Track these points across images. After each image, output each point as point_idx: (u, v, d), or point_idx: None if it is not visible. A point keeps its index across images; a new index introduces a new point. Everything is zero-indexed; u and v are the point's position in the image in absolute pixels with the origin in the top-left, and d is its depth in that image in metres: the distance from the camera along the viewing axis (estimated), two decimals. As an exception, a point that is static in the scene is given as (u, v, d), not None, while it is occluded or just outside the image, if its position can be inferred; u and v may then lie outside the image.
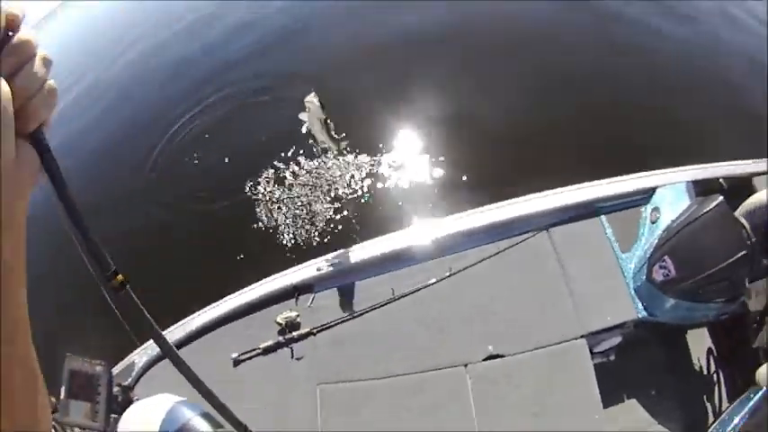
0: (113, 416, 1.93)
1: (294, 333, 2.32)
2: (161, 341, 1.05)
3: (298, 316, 2.36)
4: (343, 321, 2.37)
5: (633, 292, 2.60)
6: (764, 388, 2.38)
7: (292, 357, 2.32)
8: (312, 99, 2.34)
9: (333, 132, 2.48)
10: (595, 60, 5.70)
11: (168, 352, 1.09)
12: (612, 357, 2.68)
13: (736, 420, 2.34)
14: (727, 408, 2.51)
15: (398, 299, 2.41)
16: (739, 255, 2.45)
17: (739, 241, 2.46)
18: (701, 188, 2.88)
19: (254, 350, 2.31)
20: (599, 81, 5.42)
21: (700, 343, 2.94)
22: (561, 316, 2.48)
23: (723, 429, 2.37)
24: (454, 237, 2.57)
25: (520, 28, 6.10)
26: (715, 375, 2.87)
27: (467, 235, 2.59)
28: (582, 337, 2.44)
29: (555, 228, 2.69)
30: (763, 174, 3.03)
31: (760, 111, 5.43)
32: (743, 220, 2.57)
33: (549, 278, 2.58)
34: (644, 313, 2.56)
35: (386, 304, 2.37)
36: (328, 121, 2.43)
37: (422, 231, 2.61)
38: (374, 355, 2.30)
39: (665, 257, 2.45)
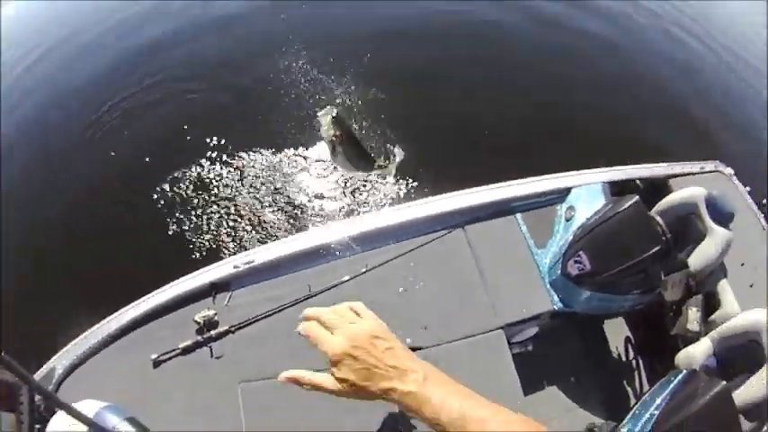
0: (37, 426, 1.89)
1: (212, 332, 2.28)
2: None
3: (215, 314, 2.32)
4: (260, 318, 2.34)
5: (548, 285, 2.68)
6: (684, 370, 2.43)
7: (212, 356, 2.28)
8: (326, 114, 2.15)
9: (361, 152, 2.32)
10: (517, 61, 5.77)
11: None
12: (530, 347, 2.76)
13: (658, 401, 2.38)
14: (648, 390, 2.56)
15: (315, 295, 2.39)
16: (654, 250, 2.52)
17: (654, 237, 2.53)
18: (617, 189, 2.99)
19: (173, 350, 2.26)
20: (522, 80, 5.50)
21: (617, 332, 3.07)
22: (478, 309, 2.52)
23: (644, 411, 2.41)
24: (371, 234, 2.58)
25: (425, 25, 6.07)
26: (634, 362, 2.99)
27: (383, 232, 2.60)
28: (499, 328, 2.50)
29: (471, 225, 2.74)
30: (678, 176, 3.15)
31: (678, 110, 5.78)
32: (658, 218, 2.64)
33: (466, 273, 2.62)
34: (560, 305, 2.64)
35: (303, 301, 2.36)
36: (351, 138, 2.23)
37: (338, 228, 2.60)
38: (293, 351, 2.26)
39: (580, 252, 2.52)
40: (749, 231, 3.07)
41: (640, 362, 3.02)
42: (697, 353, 2.57)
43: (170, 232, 3.91)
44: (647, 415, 2.36)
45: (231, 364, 2.26)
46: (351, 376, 0.85)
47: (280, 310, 2.35)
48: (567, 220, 2.78)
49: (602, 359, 3.01)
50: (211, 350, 2.29)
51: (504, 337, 2.48)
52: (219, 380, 2.24)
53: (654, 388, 2.49)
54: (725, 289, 2.80)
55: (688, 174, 3.26)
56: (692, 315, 2.63)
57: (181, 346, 2.26)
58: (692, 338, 2.64)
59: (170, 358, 2.27)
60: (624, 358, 3.01)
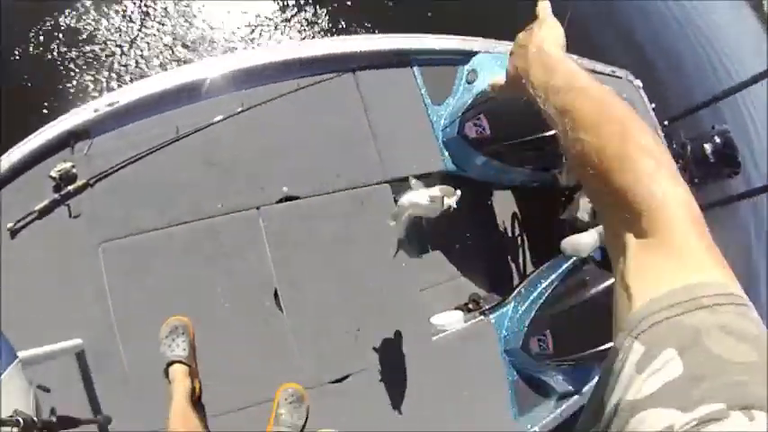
0: None
1: (70, 187, 2.00)
2: None
3: (73, 167, 1.98)
4: (122, 167, 2.04)
5: (441, 144, 2.55)
6: (572, 258, 2.48)
7: (70, 216, 2.01)
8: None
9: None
10: None
11: None
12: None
13: (545, 283, 2.47)
14: (536, 270, 2.63)
15: (183, 138, 2.10)
16: None
17: None
18: None
19: (29, 215, 1.96)
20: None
21: (505, 206, 3.04)
22: (364, 161, 2.35)
23: (532, 290, 2.50)
24: (248, 71, 2.23)
25: None
26: (519, 239, 3.01)
27: (263, 70, 2.26)
28: (386, 182, 2.36)
29: (363, 71, 2.46)
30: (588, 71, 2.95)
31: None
32: None
33: (352, 122, 2.39)
34: (452, 166, 2.55)
35: (169, 144, 2.07)
36: None
37: (211, 64, 2.24)
38: (159, 203, 2.05)
39: (481, 116, 2.39)
40: None
41: (525, 240, 3.05)
42: (583, 242, 2.54)
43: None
44: (535, 294, 2.45)
45: (91, 223, 1.99)
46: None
47: (143, 157, 2.06)
48: (469, 83, 2.61)
49: (487, 230, 3.00)
50: (69, 209, 2.02)
51: (391, 193, 2.35)
52: (79, 242, 1.99)
53: (542, 268, 2.57)
54: None
55: (599, 73, 3.21)
56: (584, 204, 2.67)
57: (37, 208, 1.96)
58: (580, 227, 2.66)
59: (26, 224, 1.97)
60: (510, 233, 3.03)
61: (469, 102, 2.48)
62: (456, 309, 2.62)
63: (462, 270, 2.87)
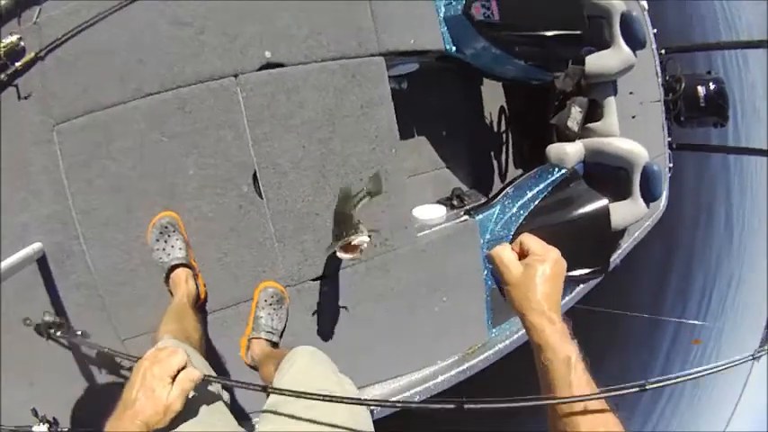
0: None
1: (18, 63, 1.64)
2: None
3: (20, 39, 1.63)
4: (76, 33, 1.68)
5: (443, 20, 2.28)
6: (564, 168, 2.43)
7: (19, 98, 1.66)
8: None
9: None
10: None
11: None
12: (405, 86, 2.41)
13: (533, 192, 2.41)
14: (523, 175, 2.54)
15: None
16: (571, 32, 2.27)
17: (578, 21, 2.27)
18: None
19: None
20: None
21: (494, 98, 2.88)
22: (357, 28, 2.05)
23: (518, 197, 2.43)
24: None
25: None
26: (504, 135, 2.89)
27: None
28: (380, 54, 2.09)
29: None
30: None
31: None
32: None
33: None
34: (452, 47, 2.30)
35: (131, 3, 1.71)
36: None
37: None
38: (120, 73, 1.73)
39: None
40: (645, 67, 3.00)
41: (509, 137, 2.94)
42: (569, 152, 2.59)
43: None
44: (523, 201, 2.37)
45: (43, 102, 1.69)
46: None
47: (100, 19, 1.71)
48: None
49: (473, 119, 2.85)
50: (18, 90, 1.70)
51: (385, 66, 2.10)
52: (32, 129, 1.69)
53: (530, 175, 2.50)
54: (611, 106, 2.76)
55: None
56: (575, 113, 2.64)
57: (-17, 91, 1.63)
58: (568, 136, 2.65)
59: None
60: (495, 128, 2.91)
61: None
62: (439, 202, 2.54)
63: (446, 159, 2.75)
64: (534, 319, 0.79)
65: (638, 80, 2.85)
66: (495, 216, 2.43)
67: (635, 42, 2.61)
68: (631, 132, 2.81)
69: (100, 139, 1.71)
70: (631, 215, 2.65)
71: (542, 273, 0.82)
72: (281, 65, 1.90)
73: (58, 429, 1.59)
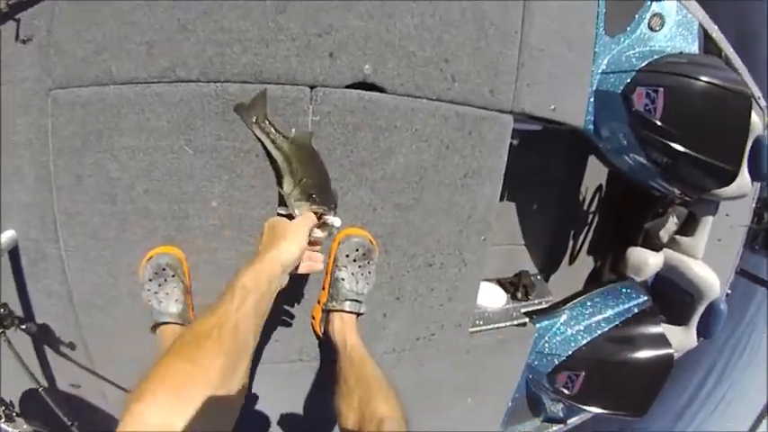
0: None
1: None
2: None
3: None
4: None
5: (593, 92, 1.83)
6: (647, 298, 2.20)
7: (17, 38, 1.18)
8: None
9: None
10: None
11: None
12: (516, 142, 1.99)
13: (605, 315, 2.14)
14: (595, 290, 2.28)
15: None
16: (725, 167, 1.81)
17: (736, 158, 1.81)
18: (712, 46, 2.10)
19: None
20: None
21: (595, 174, 2.51)
22: (495, 71, 1.51)
23: (589, 314, 2.16)
24: None
25: None
26: (591, 216, 2.57)
27: None
28: (511, 113, 1.58)
29: None
30: None
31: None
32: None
33: (501, 18, 1.49)
34: (589, 127, 1.86)
35: None
36: None
37: None
38: (151, 41, 1.20)
39: (661, 89, 1.70)
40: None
41: (596, 221, 2.60)
42: (650, 264, 2.42)
43: None
44: (589, 323, 2.13)
45: (45, 53, 1.21)
46: None
47: None
48: (651, 29, 1.91)
49: (568, 195, 2.49)
50: (18, 26, 1.17)
51: (511, 131, 1.60)
52: (22, 83, 1.24)
53: (606, 291, 2.28)
54: (706, 226, 2.52)
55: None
56: (670, 224, 2.48)
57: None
58: (653, 244, 2.47)
59: None
60: (586, 205, 2.56)
61: (652, 59, 1.78)
62: (500, 283, 2.20)
63: (525, 235, 2.40)
64: None
65: (736, 203, 2.52)
66: (556, 327, 2.12)
67: (759, 172, 2.27)
68: (712, 255, 2.58)
69: (102, 125, 1.23)
70: (680, 345, 2.45)
71: None
72: (380, 89, 1.36)
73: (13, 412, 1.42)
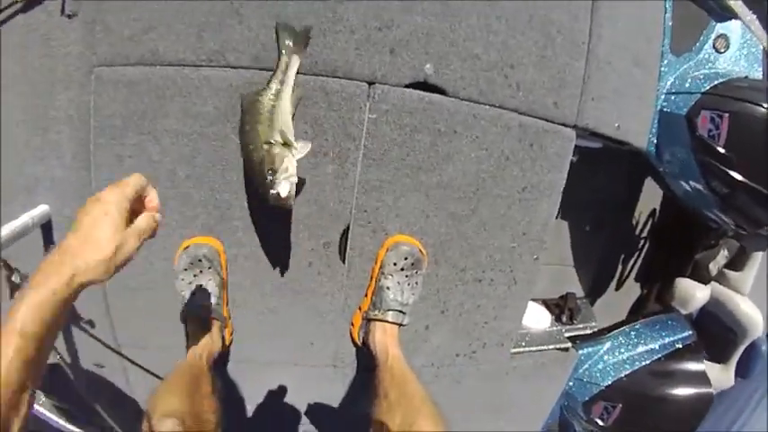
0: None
1: None
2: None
3: None
4: None
5: (657, 113, 1.76)
6: (692, 332, 2.12)
7: (62, 13, 1.18)
8: None
9: None
10: None
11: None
12: (576, 159, 1.95)
13: (650, 347, 2.07)
14: (642, 320, 2.21)
15: None
16: None
17: None
18: None
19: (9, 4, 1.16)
20: None
21: (650, 197, 2.43)
22: (561, 83, 1.45)
23: (634, 344, 2.09)
24: None
25: None
26: (642, 241, 2.49)
27: None
28: (574, 128, 1.52)
29: None
30: None
31: None
32: None
33: (570, 19, 1.44)
34: (652, 148, 1.79)
35: None
36: None
37: None
38: (202, 23, 1.19)
39: (726, 115, 1.61)
40: None
41: (646, 245, 2.52)
42: (697, 297, 2.33)
43: None
44: (632, 353, 2.06)
45: (89, 29, 1.20)
46: None
47: None
48: (716, 51, 1.82)
49: (623, 218, 2.43)
50: (64, 2, 1.18)
51: (573, 145, 1.54)
52: (65, 59, 1.23)
53: (653, 322, 2.20)
54: (755, 261, 2.41)
55: None
56: (720, 258, 2.37)
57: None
58: (701, 276, 2.38)
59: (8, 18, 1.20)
60: (637, 230, 2.49)
61: (722, 82, 1.67)
62: (546, 305, 2.14)
63: (576, 257, 2.34)
64: None
65: None
66: (599, 354, 2.04)
67: None
68: (758, 293, 2.47)
69: (146, 106, 1.22)
70: (717, 382, 2.31)
71: None
72: (441, 90, 1.32)
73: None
